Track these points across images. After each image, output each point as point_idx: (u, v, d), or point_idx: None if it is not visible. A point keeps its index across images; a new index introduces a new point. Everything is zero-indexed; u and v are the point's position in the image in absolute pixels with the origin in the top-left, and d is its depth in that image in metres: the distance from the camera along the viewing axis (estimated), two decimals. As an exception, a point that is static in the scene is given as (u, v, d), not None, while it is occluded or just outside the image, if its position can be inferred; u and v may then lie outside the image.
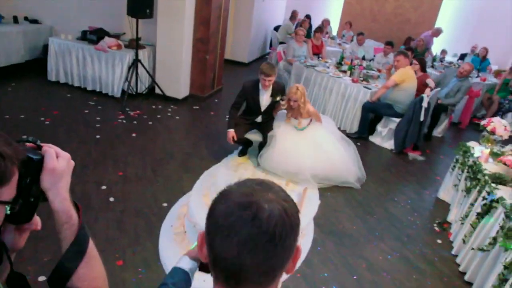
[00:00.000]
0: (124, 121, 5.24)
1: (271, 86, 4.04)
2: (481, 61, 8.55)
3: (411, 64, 5.62)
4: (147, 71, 5.96)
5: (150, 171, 4.14)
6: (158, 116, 5.56)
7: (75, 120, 5.08)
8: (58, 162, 0.87)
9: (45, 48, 6.40)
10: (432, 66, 8.06)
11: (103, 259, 0.99)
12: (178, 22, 5.70)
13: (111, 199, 3.58)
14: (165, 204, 3.63)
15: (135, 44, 5.69)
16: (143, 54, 5.95)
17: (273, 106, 4.27)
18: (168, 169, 4.24)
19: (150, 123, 5.32)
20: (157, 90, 6.11)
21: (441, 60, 8.71)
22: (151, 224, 3.34)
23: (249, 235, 0.69)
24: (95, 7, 6.29)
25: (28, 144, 0.89)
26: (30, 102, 5.53)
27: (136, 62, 5.68)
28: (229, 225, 0.70)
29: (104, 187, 3.73)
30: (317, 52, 7.28)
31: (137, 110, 5.62)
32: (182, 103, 6.19)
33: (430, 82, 5.36)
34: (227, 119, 5.68)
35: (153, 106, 5.89)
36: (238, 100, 4.11)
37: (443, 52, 9.00)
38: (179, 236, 3.26)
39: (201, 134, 5.23)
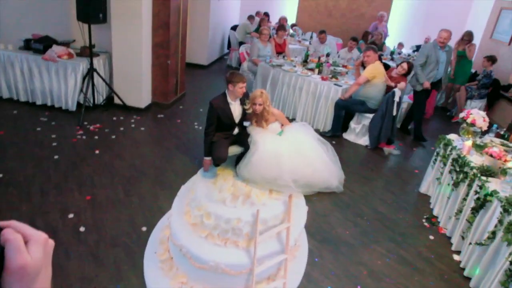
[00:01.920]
0: (84, 137, 4.75)
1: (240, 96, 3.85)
2: (435, 52, 8.80)
3: (380, 59, 5.59)
4: (104, 80, 5.48)
5: (122, 192, 3.74)
6: (121, 129, 5.12)
7: (27, 140, 4.53)
8: (28, 255, 0.53)
9: (-18, 61, 5.70)
10: (392, 59, 8.18)
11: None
12: (134, 26, 5.28)
13: (82, 228, 3.16)
14: (144, 229, 3.27)
15: (88, 52, 5.20)
16: (98, 62, 5.47)
17: (245, 115, 4.06)
18: (141, 187, 3.86)
19: (113, 137, 4.87)
20: (117, 100, 5.64)
21: (399, 53, 8.88)
22: (132, 254, 2.97)
23: None
24: (37, 13, 5.68)
25: None
26: (-30, 123, 4.89)
27: (91, 71, 5.18)
28: None
29: (71, 216, 3.30)
30: (280, 51, 7.11)
31: (96, 124, 5.13)
32: (145, 112, 5.77)
33: (402, 85, 5.33)
34: (199, 128, 5.40)
35: (114, 118, 5.42)
36: (210, 121, 3.85)
37: (400, 45, 9.19)
38: (166, 263, 2.93)
39: (170, 145, 4.87)
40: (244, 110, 3.94)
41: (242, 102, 3.88)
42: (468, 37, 7.05)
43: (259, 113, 3.80)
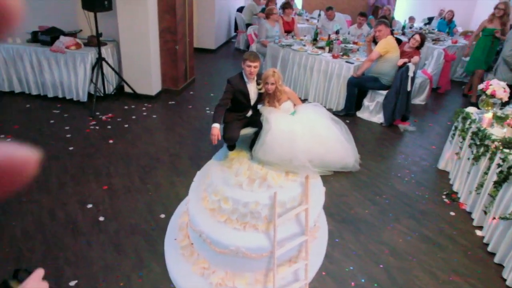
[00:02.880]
0: (97, 127, 4.75)
1: (255, 77, 3.76)
2: (447, 24, 8.55)
3: (392, 33, 5.43)
4: (113, 69, 5.45)
5: (138, 180, 3.75)
6: (133, 117, 5.11)
7: (41, 133, 4.55)
8: None
9: (-9, 56, 5.70)
10: (403, 34, 7.97)
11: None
12: (140, 12, 5.20)
13: (101, 218, 3.18)
14: (162, 216, 3.28)
15: (95, 41, 5.15)
16: (106, 51, 5.42)
17: (260, 98, 3.99)
18: (157, 175, 3.86)
19: (126, 125, 4.86)
20: (127, 89, 5.62)
21: (410, 27, 8.64)
22: (152, 241, 2.99)
23: None
24: (42, 4, 5.62)
25: None
26: (-16, 118, 4.91)
27: (100, 60, 5.15)
28: None
29: (90, 206, 3.32)
30: (288, 29, 6.96)
31: (108, 113, 5.13)
32: (156, 99, 5.74)
33: (415, 59, 5.16)
34: (211, 113, 5.36)
35: (125, 107, 5.40)
36: (226, 96, 3.73)
37: (411, 19, 8.93)
38: (186, 249, 2.94)
39: (183, 131, 4.85)
40: (259, 94, 3.87)
41: (258, 84, 3.81)
42: (507, 10, 5.85)
43: (271, 92, 3.73)
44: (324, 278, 2.77)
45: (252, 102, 3.87)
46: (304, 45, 6.22)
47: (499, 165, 3.18)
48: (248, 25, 8.67)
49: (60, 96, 5.53)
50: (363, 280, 2.77)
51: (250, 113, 4.00)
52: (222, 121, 3.79)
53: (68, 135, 4.51)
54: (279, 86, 3.73)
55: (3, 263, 2.68)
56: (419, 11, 9.68)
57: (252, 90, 3.81)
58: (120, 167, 3.93)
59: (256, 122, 4.01)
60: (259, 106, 4.04)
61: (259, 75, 3.83)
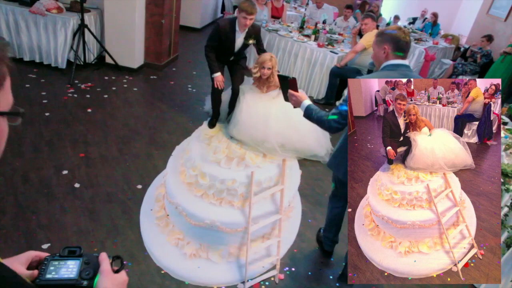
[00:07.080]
0: (75, 95, 4.64)
1: (247, 29, 3.75)
2: (432, 26, 8.76)
3: (377, 27, 5.52)
4: (96, 38, 5.31)
5: (116, 150, 3.71)
6: (113, 88, 5.01)
7: (15, 97, 4.31)
8: None
9: (-35, 12, 5.43)
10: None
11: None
12: (128, -19, 5.07)
13: (77, 185, 3.15)
14: (139, 186, 3.28)
15: (79, 7, 4.98)
16: (89, 19, 5.26)
17: (245, 47, 4.01)
18: (135, 146, 3.83)
19: (106, 96, 4.77)
20: (108, 59, 5.49)
21: (395, 24, 8.80)
22: (128, 210, 2.99)
23: None
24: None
25: None
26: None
27: (82, 27, 5.00)
28: None
29: (65, 172, 3.27)
30: (276, 15, 6.95)
31: (88, 83, 5.01)
32: (137, 73, 5.64)
33: None
34: (193, 90, 5.36)
35: (106, 77, 5.29)
36: (212, 42, 3.76)
37: (396, 18, 9.07)
38: (162, 220, 2.96)
39: (164, 106, 4.81)
40: (244, 44, 3.87)
41: (247, 37, 3.80)
42: None
43: (265, 78, 3.68)
44: (295, 255, 2.86)
45: (236, 49, 3.87)
46: (291, 32, 6.24)
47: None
48: (235, 7, 8.58)
49: (37, 60, 5.33)
50: (332, 259, 2.88)
51: (232, 58, 4.02)
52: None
53: (45, 101, 4.38)
54: (275, 71, 3.68)
55: (-28, 222, 2.63)
56: (405, 11, 9.86)
57: (239, 39, 3.80)
58: (97, 136, 3.87)
59: (235, 70, 4.06)
60: (241, 86, 4.05)
61: (257, 33, 3.84)
